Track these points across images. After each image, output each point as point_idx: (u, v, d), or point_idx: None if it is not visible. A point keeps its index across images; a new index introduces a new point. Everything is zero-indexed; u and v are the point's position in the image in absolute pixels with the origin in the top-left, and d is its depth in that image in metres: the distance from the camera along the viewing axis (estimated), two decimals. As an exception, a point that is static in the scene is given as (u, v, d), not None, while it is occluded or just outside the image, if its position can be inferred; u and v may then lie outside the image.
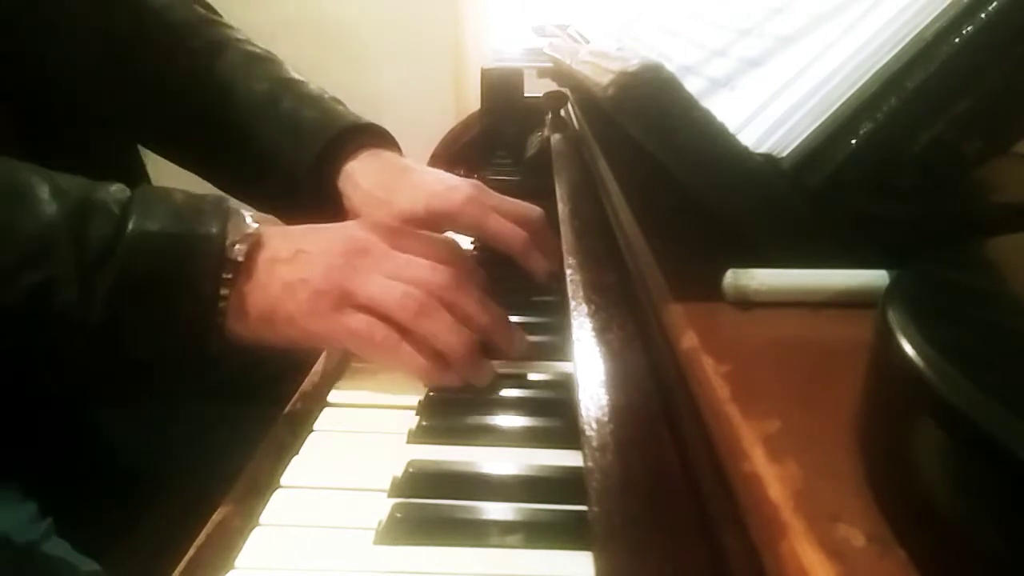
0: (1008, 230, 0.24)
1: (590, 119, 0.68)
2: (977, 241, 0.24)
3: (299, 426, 0.43)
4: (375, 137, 0.65)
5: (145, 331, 0.43)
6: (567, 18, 1.06)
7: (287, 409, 0.47)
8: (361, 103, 0.68)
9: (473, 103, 1.11)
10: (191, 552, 0.35)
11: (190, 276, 0.43)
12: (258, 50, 0.72)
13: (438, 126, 1.13)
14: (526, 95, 1.02)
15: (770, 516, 0.19)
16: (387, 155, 0.64)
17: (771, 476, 0.20)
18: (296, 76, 0.70)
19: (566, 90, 0.90)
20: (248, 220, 0.46)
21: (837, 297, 0.29)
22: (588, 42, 0.79)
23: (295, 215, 0.66)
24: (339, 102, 0.68)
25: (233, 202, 0.49)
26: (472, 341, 0.46)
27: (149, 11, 0.70)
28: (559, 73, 0.86)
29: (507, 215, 0.58)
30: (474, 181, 0.61)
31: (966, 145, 0.30)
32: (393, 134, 0.68)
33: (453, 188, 0.59)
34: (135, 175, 0.71)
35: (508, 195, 0.66)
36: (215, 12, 0.76)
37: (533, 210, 0.61)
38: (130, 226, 0.43)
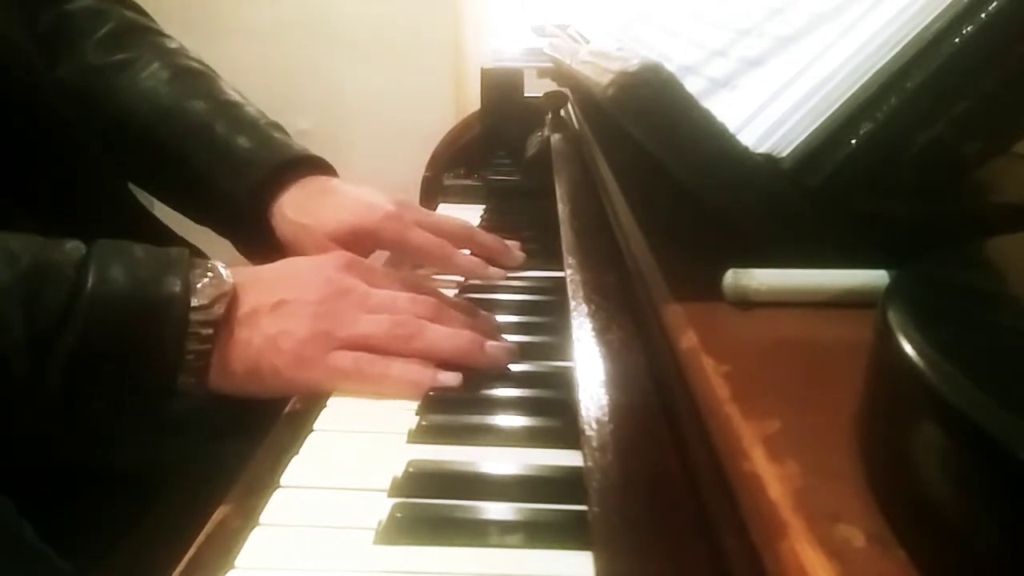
0: (1008, 230, 0.24)
1: (590, 119, 0.68)
2: (977, 241, 0.24)
3: (299, 426, 0.42)
4: (309, 166, 0.65)
5: (104, 399, 0.42)
6: (567, 18, 1.06)
7: (287, 409, 0.47)
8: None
9: (473, 103, 1.11)
10: (191, 552, 0.35)
11: (151, 343, 0.42)
12: (192, 64, 0.70)
13: (438, 126, 1.13)
14: (526, 95, 1.02)
15: (770, 516, 0.19)
16: (317, 181, 0.64)
17: (771, 476, 0.20)
18: (232, 96, 0.69)
19: (566, 90, 0.90)
20: (223, 275, 0.45)
21: (837, 297, 0.29)
22: (588, 42, 0.79)
23: (239, 237, 0.67)
24: (276, 127, 0.67)
25: (211, 235, 0.48)
26: (470, 337, 0.46)
27: (73, 18, 0.69)
28: (559, 73, 0.86)
29: (430, 229, 0.59)
30: (398, 198, 0.61)
31: (966, 145, 0.30)
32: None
33: (372, 206, 0.59)
34: (124, 207, 0.71)
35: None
36: (144, 14, 0.74)
37: (456, 222, 0.62)
38: (87, 290, 0.41)
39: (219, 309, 0.44)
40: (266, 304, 0.45)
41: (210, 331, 0.43)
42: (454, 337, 0.46)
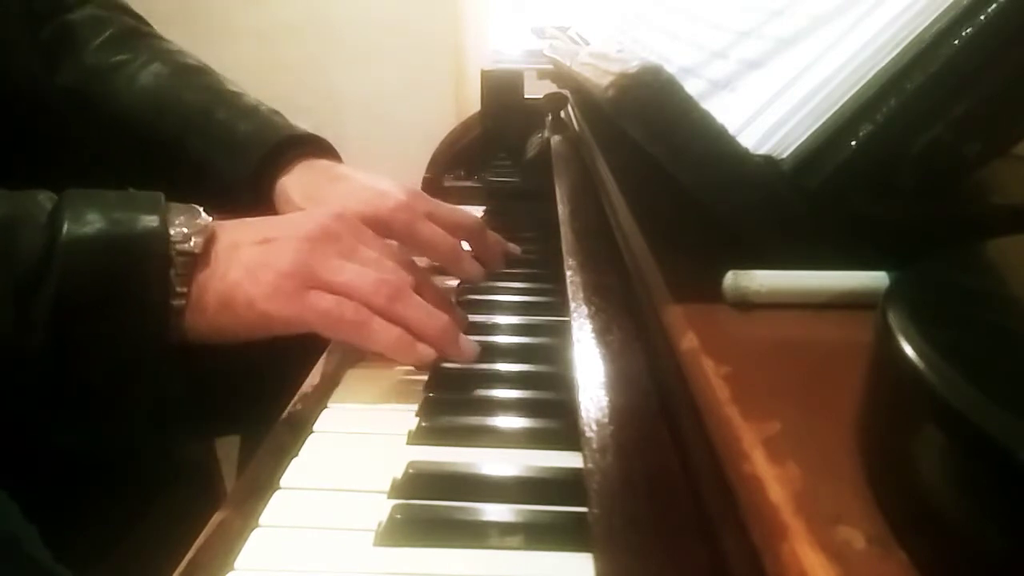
0: (1007, 232, 0.24)
1: (590, 121, 0.68)
2: (977, 243, 0.24)
3: (299, 427, 0.42)
4: (311, 147, 0.63)
5: (94, 350, 0.41)
6: (567, 20, 1.06)
7: (287, 410, 0.47)
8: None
9: (473, 105, 1.11)
10: (191, 553, 0.35)
11: (135, 284, 0.41)
12: (191, 61, 0.70)
13: (438, 127, 1.13)
14: (526, 97, 1.02)
15: (770, 518, 0.19)
16: (321, 165, 0.62)
17: (771, 478, 0.20)
18: (232, 88, 0.68)
19: (566, 92, 0.90)
20: (202, 214, 0.44)
21: (837, 298, 0.29)
22: (588, 44, 0.79)
23: None
24: (276, 113, 0.66)
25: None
26: (448, 322, 0.45)
27: (75, 28, 0.69)
28: (559, 75, 0.86)
29: (440, 221, 0.58)
30: (409, 187, 0.60)
31: (965, 147, 0.30)
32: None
33: (383, 194, 0.57)
34: None
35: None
36: (144, 22, 0.74)
37: (468, 216, 0.61)
38: (63, 234, 0.40)
39: (196, 244, 0.43)
40: (249, 239, 0.44)
41: (185, 271, 0.42)
42: (434, 317, 0.45)
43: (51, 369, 0.40)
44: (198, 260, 0.43)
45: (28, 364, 0.40)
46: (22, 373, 0.40)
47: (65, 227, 0.40)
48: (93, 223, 0.41)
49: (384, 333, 0.44)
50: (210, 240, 0.44)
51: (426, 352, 0.44)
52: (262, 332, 0.44)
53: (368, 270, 0.45)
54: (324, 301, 0.43)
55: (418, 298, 0.46)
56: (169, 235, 0.42)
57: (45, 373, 0.40)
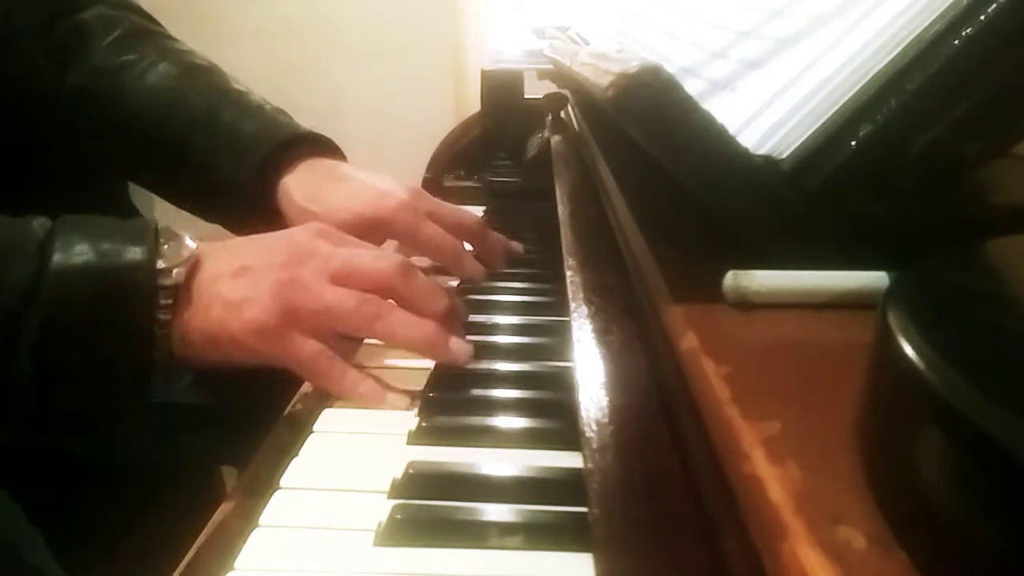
0: (1007, 232, 0.24)
1: (590, 121, 0.68)
2: (977, 243, 0.24)
3: (299, 427, 0.42)
4: (315, 146, 0.63)
5: (78, 380, 0.41)
6: (567, 20, 1.06)
7: (287, 410, 0.47)
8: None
9: (473, 105, 1.11)
10: (191, 554, 0.35)
11: (119, 315, 0.41)
12: (199, 61, 0.70)
13: (438, 128, 1.13)
14: (526, 97, 1.02)
15: (770, 518, 0.19)
16: (325, 164, 0.62)
17: (771, 478, 0.20)
18: (238, 87, 0.68)
19: (566, 92, 0.90)
20: (187, 242, 0.44)
21: (837, 298, 0.29)
22: (588, 44, 0.79)
23: (243, 228, 0.65)
24: (281, 112, 0.66)
25: (181, 216, 0.47)
26: (435, 329, 0.45)
27: (85, 27, 0.69)
28: (559, 75, 0.86)
29: (442, 221, 0.58)
30: (411, 186, 0.60)
31: (965, 147, 0.30)
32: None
33: (385, 194, 0.57)
34: (121, 204, 0.71)
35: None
36: (154, 21, 0.75)
37: (469, 216, 0.61)
38: (51, 265, 0.40)
39: (179, 275, 0.43)
40: (228, 270, 0.44)
41: (170, 300, 0.42)
42: (419, 326, 0.45)
43: (33, 399, 0.41)
44: (181, 293, 0.43)
45: (11, 393, 0.40)
46: (4, 401, 0.41)
47: (54, 257, 0.41)
48: (82, 254, 0.41)
49: (355, 388, 0.44)
50: (193, 271, 0.44)
51: (395, 402, 0.44)
52: (249, 363, 0.45)
53: (348, 292, 0.45)
54: (304, 349, 0.44)
55: (401, 311, 0.46)
56: (154, 267, 0.42)
57: (27, 402, 0.41)
